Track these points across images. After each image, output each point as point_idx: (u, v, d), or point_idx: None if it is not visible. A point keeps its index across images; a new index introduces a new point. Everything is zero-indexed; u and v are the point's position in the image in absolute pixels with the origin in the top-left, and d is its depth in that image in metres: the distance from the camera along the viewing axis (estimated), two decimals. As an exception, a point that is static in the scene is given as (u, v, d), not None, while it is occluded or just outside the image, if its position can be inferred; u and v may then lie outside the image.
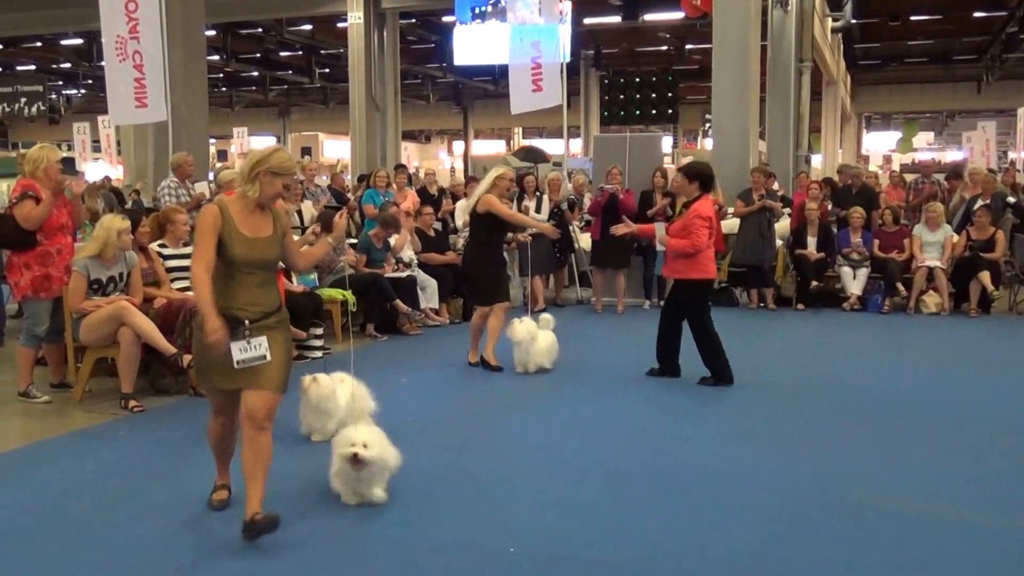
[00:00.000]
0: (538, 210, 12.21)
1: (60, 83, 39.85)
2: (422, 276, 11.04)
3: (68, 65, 36.75)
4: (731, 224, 13.08)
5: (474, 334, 8.82)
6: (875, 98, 46.84)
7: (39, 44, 33.94)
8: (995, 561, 4.42)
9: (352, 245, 11.13)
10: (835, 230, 12.87)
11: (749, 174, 13.09)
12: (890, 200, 14.88)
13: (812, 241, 12.44)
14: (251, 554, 4.43)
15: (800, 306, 12.32)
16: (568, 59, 13.57)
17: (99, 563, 4.39)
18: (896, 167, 36.35)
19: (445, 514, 4.82)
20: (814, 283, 12.25)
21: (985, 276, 11.61)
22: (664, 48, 34.75)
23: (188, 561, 4.39)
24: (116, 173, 26.83)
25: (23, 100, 29.88)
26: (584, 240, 13.14)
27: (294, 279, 9.71)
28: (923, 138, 50.80)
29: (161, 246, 8.31)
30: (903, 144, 49.00)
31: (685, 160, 29.00)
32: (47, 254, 7.35)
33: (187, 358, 7.38)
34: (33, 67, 36.72)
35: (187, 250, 8.32)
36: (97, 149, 31.14)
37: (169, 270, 8.19)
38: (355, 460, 4.79)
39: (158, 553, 4.46)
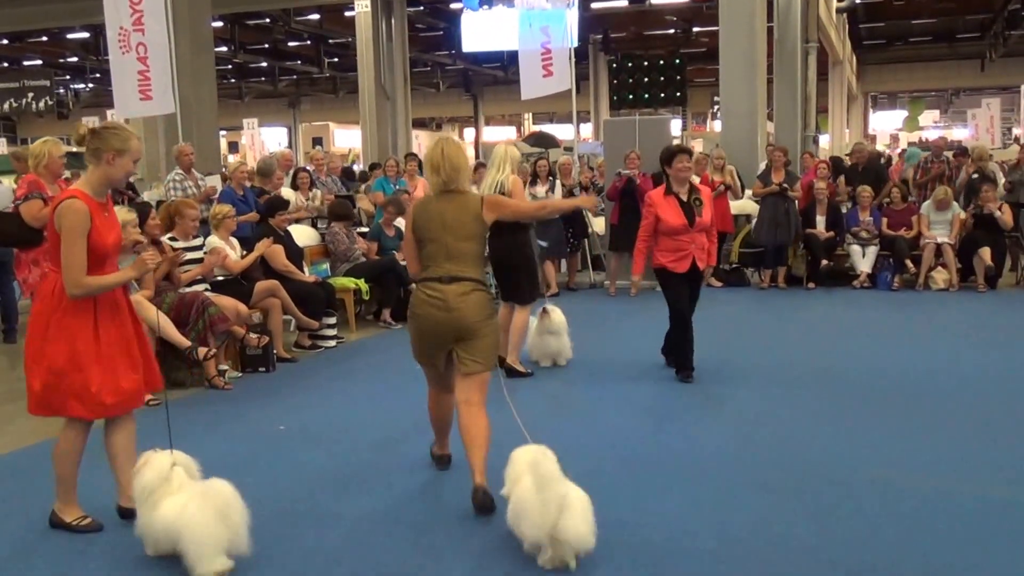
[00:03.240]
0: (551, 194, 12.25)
1: (67, 77, 39.86)
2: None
3: (75, 59, 36.80)
4: (741, 205, 13.10)
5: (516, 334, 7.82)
6: (881, 77, 46.76)
7: (45, 38, 33.96)
8: (1012, 534, 4.46)
9: (362, 234, 11.17)
10: (844, 209, 12.88)
11: (766, 152, 13.11)
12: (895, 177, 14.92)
13: (821, 220, 12.45)
14: (268, 544, 4.49)
15: (811, 285, 12.34)
16: (576, 44, 13.56)
17: (116, 558, 4.42)
18: (904, 145, 36.30)
19: (462, 497, 4.85)
20: (824, 262, 12.27)
21: (986, 252, 11.67)
22: (672, 31, 34.76)
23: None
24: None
25: (30, 95, 29.86)
26: (598, 224, 13.17)
27: (306, 269, 9.76)
28: (929, 116, 50.65)
29: (171, 239, 8.08)
30: (909, 123, 48.93)
31: (695, 143, 29.01)
32: (55, 250, 7.35)
33: (202, 351, 7.42)
34: (40, 62, 36.74)
35: (197, 242, 8.34)
36: (107, 143, 31.09)
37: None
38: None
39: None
